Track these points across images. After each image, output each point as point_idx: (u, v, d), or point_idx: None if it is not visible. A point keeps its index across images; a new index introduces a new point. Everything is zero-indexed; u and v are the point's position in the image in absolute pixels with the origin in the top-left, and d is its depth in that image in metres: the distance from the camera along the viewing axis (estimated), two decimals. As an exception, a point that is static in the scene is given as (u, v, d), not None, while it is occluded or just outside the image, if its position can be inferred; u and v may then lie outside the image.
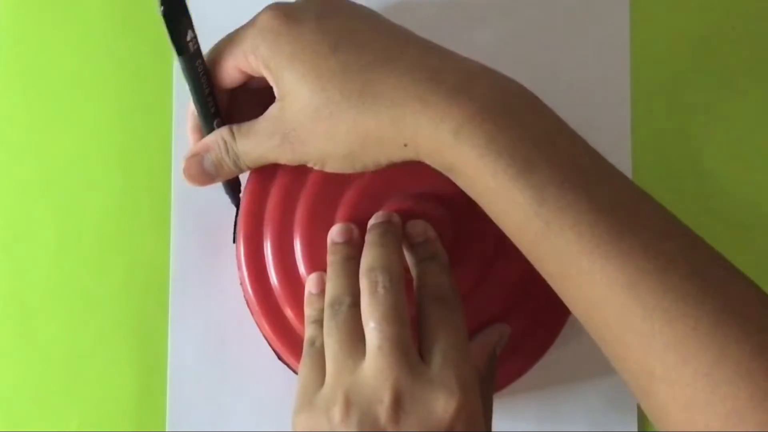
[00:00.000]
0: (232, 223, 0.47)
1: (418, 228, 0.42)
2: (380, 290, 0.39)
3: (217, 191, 0.47)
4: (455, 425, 0.36)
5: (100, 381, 0.49)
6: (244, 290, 0.46)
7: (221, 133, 0.42)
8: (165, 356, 0.49)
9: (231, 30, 0.41)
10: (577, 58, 0.50)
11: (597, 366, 0.48)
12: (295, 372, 0.44)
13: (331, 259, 0.42)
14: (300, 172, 0.45)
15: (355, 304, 0.40)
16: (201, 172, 0.42)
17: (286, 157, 0.40)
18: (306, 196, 0.44)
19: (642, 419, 0.49)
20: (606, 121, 0.50)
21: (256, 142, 0.41)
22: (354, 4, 0.40)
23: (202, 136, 0.43)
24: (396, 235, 0.42)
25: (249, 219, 0.45)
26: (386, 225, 0.42)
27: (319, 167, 0.40)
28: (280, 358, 0.46)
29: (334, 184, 0.44)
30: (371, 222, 0.42)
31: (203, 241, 0.49)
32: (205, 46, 0.41)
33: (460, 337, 0.39)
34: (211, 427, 0.48)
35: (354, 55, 0.38)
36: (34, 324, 0.49)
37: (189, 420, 0.49)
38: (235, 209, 0.47)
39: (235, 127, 0.41)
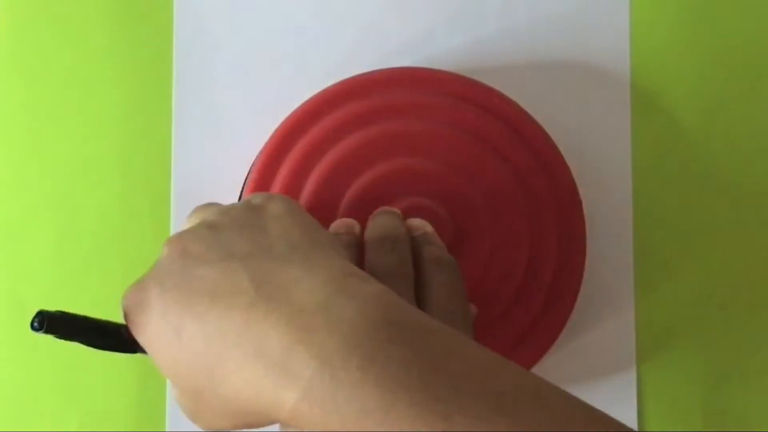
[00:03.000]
0: (232, 223, 0.47)
1: (416, 223, 0.42)
2: (387, 247, 0.38)
3: (217, 192, 0.47)
4: None
5: (100, 381, 0.49)
6: (244, 290, 0.46)
7: None
8: (165, 356, 0.49)
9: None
10: (576, 58, 0.50)
11: (597, 366, 0.49)
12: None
13: None
14: (300, 172, 0.45)
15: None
16: None
17: None
18: (306, 197, 0.44)
19: (642, 419, 0.49)
20: (606, 122, 0.50)
21: None
22: None
23: None
24: (398, 216, 0.42)
25: (249, 219, 0.45)
26: (388, 210, 0.42)
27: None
28: (280, 358, 0.46)
29: (334, 185, 0.44)
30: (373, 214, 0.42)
31: (203, 241, 0.49)
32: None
33: (462, 302, 0.38)
34: (211, 427, 0.48)
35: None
36: (34, 324, 0.49)
37: (189, 420, 0.48)
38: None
39: None
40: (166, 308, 0.33)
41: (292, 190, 0.45)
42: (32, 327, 0.34)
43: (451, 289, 0.38)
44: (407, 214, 0.42)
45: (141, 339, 0.35)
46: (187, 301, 0.32)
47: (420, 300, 0.38)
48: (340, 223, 0.43)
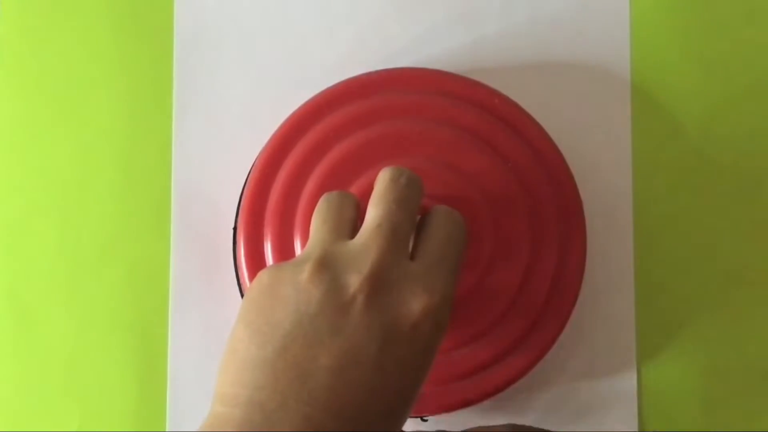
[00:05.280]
0: (232, 224, 0.47)
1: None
2: (403, 180, 0.38)
3: (217, 192, 0.47)
4: (423, 323, 0.34)
5: (101, 381, 0.49)
6: (244, 290, 0.46)
7: None
8: (165, 356, 0.49)
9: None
10: (576, 58, 0.50)
11: (597, 366, 0.49)
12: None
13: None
14: (300, 172, 0.45)
15: (355, 200, 0.39)
16: None
17: None
18: (306, 197, 0.44)
19: (642, 419, 0.49)
20: (606, 122, 0.50)
21: None
22: None
23: None
24: None
25: (249, 219, 0.45)
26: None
27: None
28: (280, 358, 0.46)
29: (334, 185, 0.44)
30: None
31: (203, 241, 0.49)
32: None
33: (456, 255, 0.38)
34: (211, 427, 0.48)
35: None
36: (34, 324, 0.49)
37: (189, 420, 0.48)
38: (235, 209, 0.47)
39: None
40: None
41: (293, 190, 0.45)
42: None
43: (450, 237, 0.38)
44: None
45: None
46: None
47: (416, 241, 0.38)
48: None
